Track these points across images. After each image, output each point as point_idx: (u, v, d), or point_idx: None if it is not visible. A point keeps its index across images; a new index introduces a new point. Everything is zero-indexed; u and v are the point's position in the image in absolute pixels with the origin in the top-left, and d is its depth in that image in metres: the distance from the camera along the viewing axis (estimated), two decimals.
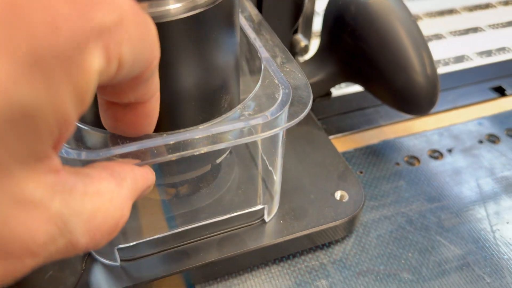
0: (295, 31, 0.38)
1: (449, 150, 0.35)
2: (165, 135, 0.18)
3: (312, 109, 0.26)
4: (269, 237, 0.26)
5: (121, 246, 0.24)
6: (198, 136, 0.19)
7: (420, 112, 0.32)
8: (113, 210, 0.13)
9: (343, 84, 0.42)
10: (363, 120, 0.38)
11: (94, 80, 0.11)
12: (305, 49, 0.38)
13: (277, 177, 0.26)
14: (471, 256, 0.28)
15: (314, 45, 0.37)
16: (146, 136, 0.18)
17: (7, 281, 0.11)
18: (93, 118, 0.19)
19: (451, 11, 0.55)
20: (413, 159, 0.35)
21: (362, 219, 0.30)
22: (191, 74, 0.20)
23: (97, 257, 0.25)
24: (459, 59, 0.46)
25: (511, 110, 0.39)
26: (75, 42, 0.10)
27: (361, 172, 0.33)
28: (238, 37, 0.22)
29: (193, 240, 0.26)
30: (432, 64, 0.30)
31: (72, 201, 0.12)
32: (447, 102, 0.40)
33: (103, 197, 0.13)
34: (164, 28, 0.17)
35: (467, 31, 0.51)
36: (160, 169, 0.23)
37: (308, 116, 0.35)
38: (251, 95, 0.21)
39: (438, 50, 0.48)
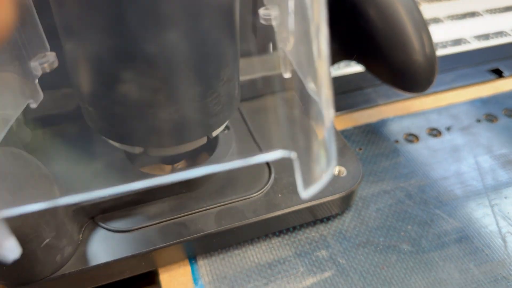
0: None
1: (448, 128, 0.35)
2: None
3: None
4: (267, 210, 0.26)
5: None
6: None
7: (418, 90, 0.32)
8: None
9: (342, 65, 0.42)
10: (362, 99, 0.38)
11: None
12: None
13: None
14: (470, 229, 0.28)
15: None
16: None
17: None
18: None
19: None
20: (412, 137, 0.35)
21: (362, 193, 0.30)
22: (186, 44, 0.19)
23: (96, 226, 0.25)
24: (457, 42, 0.46)
25: (509, 91, 0.40)
26: None
27: (360, 149, 0.33)
28: (238, 5, 0.22)
29: (191, 212, 0.26)
30: (431, 43, 0.30)
31: None
32: (446, 83, 0.40)
33: None
34: None
35: (464, 16, 0.52)
36: (155, 140, 0.23)
37: None
38: None
39: (437, 34, 0.48)
